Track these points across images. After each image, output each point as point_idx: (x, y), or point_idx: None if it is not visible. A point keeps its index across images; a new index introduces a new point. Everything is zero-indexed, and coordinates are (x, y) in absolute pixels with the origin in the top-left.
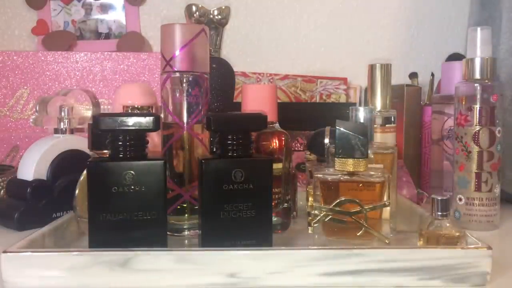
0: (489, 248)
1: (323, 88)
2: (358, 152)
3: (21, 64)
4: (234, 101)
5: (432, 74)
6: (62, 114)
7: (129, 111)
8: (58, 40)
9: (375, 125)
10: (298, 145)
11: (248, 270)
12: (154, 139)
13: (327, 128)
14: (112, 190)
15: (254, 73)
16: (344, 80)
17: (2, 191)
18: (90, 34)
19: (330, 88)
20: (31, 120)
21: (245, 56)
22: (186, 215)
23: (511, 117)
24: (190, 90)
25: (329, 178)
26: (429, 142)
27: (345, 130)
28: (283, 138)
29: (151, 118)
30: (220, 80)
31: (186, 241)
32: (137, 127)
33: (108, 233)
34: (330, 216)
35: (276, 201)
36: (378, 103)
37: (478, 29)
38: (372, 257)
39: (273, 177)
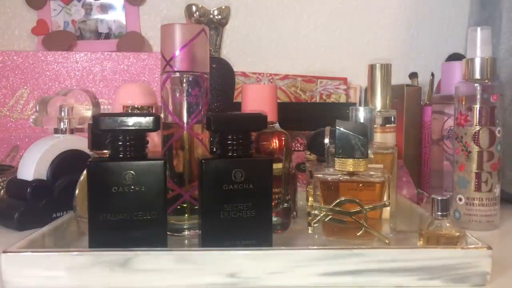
0: (489, 248)
1: (323, 88)
2: (358, 152)
3: (21, 64)
4: (234, 101)
5: (432, 74)
6: (62, 114)
7: (129, 111)
8: (58, 40)
9: (375, 125)
10: (298, 145)
11: (248, 270)
12: (154, 139)
13: (327, 128)
14: (112, 190)
15: (254, 73)
16: (344, 80)
17: (2, 191)
18: (90, 34)
19: (330, 88)
20: (31, 120)
21: (245, 56)
22: (186, 215)
23: (511, 117)
24: (190, 90)
25: (329, 178)
26: (429, 142)
27: (345, 130)
28: (283, 138)
29: (151, 118)
30: (220, 80)
31: (186, 241)
32: (137, 127)
33: (108, 233)
34: (330, 216)
35: (276, 201)
36: (378, 103)
37: (478, 29)
38: (372, 257)
39: (273, 177)
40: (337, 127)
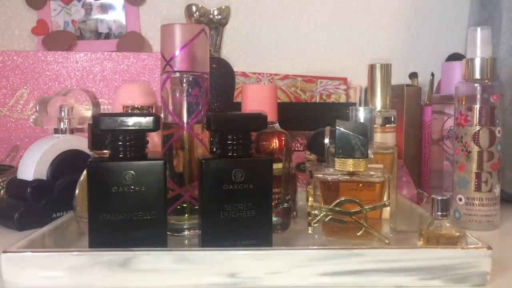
0: (489, 248)
1: (323, 88)
2: (358, 152)
3: (21, 64)
4: (234, 101)
5: (432, 74)
6: (62, 114)
7: (129, 111)
8: (58, 40)
9: (375, 125)
10: (298, 145)
11: (248, 270)
12: (154, 139)
13: (327, 128)
14: (112, 190)
15: (254, 73)
16: (344, 80)
17: (2, 191)
18: (90, 34)
19: (330, 88)
20: (31, 120)
21: (245, 56)
22: (186, 215)
23: (511, 117)
24: (190, 90)
25: (329, 178)
26: (429, 142)
27: (345, 130)
28: (283, 138)
29: (151, 118)
30: (220, 80)
31: (186, 241)
32: (137, 127)
33: (108, 233)
34: (330, 216)
35: (276, 201)
36: (378, 103)
37: (478, 29)
38: (372, 257)
39: (273, 177)
40: (337, 127)
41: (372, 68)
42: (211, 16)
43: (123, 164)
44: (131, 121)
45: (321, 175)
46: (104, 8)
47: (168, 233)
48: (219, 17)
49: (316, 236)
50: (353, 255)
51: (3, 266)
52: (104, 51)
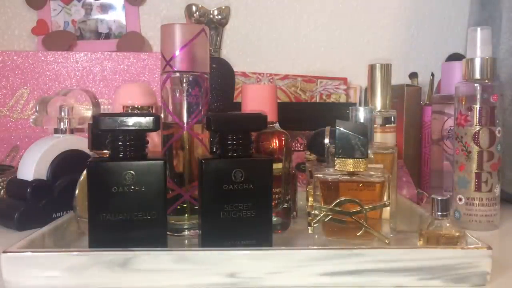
0: (489, 248)
1: (323, 88)
2: (358, 152)
3: (21, 64)
4: (234, 101)
5: (432, 74)
6: (62, 114)
7: (129, 111)
8: (58, 40)
9: (375, 125)
10: (298, 145)
11: (248, 270)
12: (154, 139)
13: (327, 128)
14: (112, 190)
15: (254, 73)
16: (344, 80)
17: (2, 191)
18: (90, 34)
19: (330, 88)
20: (31, 120)
21: (245, 56)
22: (186, 215)
23: (511, 117)
24: (190, 90)
25: (329, 178)
26: (429, 142)
27: (345, 130)
28: (283, 138)
29: (151, 118)
30: (220, 80)
31: (186, 241)
32: (137, 127)
33: (108, 233)
34: (330, 216)
35: (276, 201)
36: (378, 103)
37: (478, 29)
38: (372, 257)
39: (273, 177)
40: (337, 127)
41: (372, 68)
42: (211, 16)
43: (123, 164)
44: (131, 121)
45: (321, 175)
46: (104, 8)
47: (168, 233)
48: (219, 17)
49: (316, 236)
50: (353, 255)
51: (3, 266)
52: (104, 51)
